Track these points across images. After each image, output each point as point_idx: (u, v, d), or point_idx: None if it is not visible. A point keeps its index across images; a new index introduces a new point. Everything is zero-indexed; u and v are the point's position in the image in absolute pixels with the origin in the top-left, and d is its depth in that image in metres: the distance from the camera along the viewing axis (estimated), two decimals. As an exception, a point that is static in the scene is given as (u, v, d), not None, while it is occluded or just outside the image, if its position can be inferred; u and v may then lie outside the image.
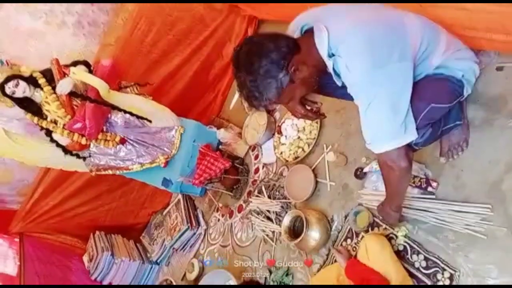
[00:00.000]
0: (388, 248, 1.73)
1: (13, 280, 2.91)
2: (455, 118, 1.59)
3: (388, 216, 1.70)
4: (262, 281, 2.37)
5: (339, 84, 1.42)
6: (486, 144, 1.62)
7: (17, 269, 2.99)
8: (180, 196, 3.42)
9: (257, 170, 2.90)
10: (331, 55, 1.33)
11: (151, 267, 3.47)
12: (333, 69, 1.37)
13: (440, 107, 1.41)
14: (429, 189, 1.73)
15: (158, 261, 3.45)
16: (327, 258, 2.09)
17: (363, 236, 1.94)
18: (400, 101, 1.27)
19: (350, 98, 1.37)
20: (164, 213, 3.60)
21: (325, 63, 1.37)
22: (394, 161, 1.33)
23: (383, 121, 1.28)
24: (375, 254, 1.71)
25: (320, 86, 1.66)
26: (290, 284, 2.20)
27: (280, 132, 2.71)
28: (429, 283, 1.62)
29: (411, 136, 1.31)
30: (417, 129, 1.33)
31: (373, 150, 1.35)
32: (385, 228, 1.86)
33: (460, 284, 1.54)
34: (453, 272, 1.56)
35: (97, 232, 3.57)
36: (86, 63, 2.57)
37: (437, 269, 1.61)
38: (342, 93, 1.50)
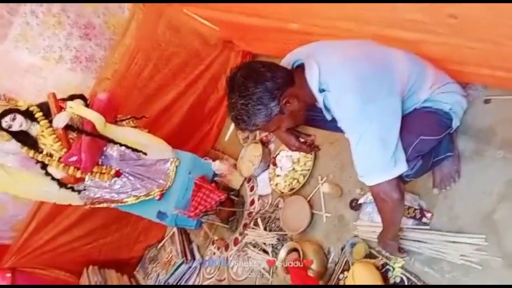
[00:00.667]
0: (376, 276, 1.74)
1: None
2: (446, 149, 1.61)
3: (387, 246, 1.71)
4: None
5: (329, 118, 1.46)
6: (477, 175, 1.65)
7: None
8: (175, 230, 3.39)
9: (252, 202, 2.90)
10: (321, 90, 1.37)
11: (145, 303, 3.40)
12: (324, 103, 1.40)
13: (429, 140, 1.45)
14: (424, 219, 1.74)
15: (153, 296, 3.38)
16: (324, 291, 2.07)
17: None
18: (390, 135, 1.30)
19: (341, 131, 1.40)
20: (158, 246, 3.56)
21: (315, 97, 1.41)
22: (386, 193, 1.35)
23: (374, 155, 1.31)
24: (362, 281, 1.71)
25: (312, 119, 1.70)
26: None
27: (275, 164, 2.72)
28: (426, 316, 1.61)
29: (401, 168, 1.33)
30: (407, 161, 1.35)
31: (365, 182, 1.37)
32: (382, 259, 1.85)
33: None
34: (450, 304, 1.56)
35: (91, 267, 3.50)
36: (82, 97, 2.60)
37: (434, 301, 1.61)
38: (333, 126, 1.53)
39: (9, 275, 3.22)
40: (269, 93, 1.35)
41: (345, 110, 1.31)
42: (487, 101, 1.71)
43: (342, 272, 2.02)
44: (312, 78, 1.36)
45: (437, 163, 1.63)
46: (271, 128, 1.49)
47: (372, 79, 1.29)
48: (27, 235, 3.22)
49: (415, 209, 1.77)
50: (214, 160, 3.16)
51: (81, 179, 2.72)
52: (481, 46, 1.29)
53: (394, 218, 1.51)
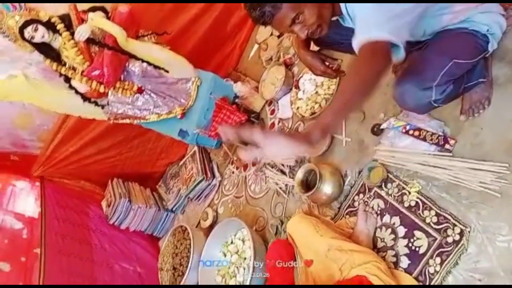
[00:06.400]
0: (303, 224, 1.86)
1: (35, 222, 3.03)
2: (479, 75, 1.54)
3: (307, 138, 1.13)
4: (273, 231, 2.43)
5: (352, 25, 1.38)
6: (508, 102, 1.58)
7: (38, 212, 3.11)
8: (196, 148, 3.47)
9: (273, 125, 2.90)
10: None
11: (167, 215, 3.58)
12: (346, 10, 1.34)
13: (463, 63, 1.37)
14: (446, 146, 1.72)
15: (174, 209, 3.55)
16: (338, 211, 2.12)
17: (375, 191, 1.96)
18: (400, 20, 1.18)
19: None
20: (180, 164, 3.67)
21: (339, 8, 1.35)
22: (374, 52, 1.16)
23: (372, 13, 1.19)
24: (296, 237, 1.86)
25: (339, 42, 1.63)
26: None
27: (297, 87, 2.68)
28: (439, 238, 1.64)
29: (398, 36, 1.17)
30: (438, 85, 1.30)
31: (358, 42, 1.21)
32: (398, 185, 1.87)
33: (470, 239, 1.55)
34: (463, 228, 1.58)
35: (115, 179, 3.67)
36: (103, 9, 2.55)
37: (448, 225, 1.63)
38: None
39: (38, 183, 3.39)
40: None
41: (363, 6, 1.20)
42: (529, 24, 1.59)
43: (358, 194, 2.06)
44: None
45: (468, 88, 1.56)
46: (294, 10, 1.27)
47: None
48: (54, 147, 3.34)
49: (439, 136, 1.74)
50: (235, 81, 3.13)
51: (104, 94, 2.75)
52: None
53: (357, 91, 1.17)
